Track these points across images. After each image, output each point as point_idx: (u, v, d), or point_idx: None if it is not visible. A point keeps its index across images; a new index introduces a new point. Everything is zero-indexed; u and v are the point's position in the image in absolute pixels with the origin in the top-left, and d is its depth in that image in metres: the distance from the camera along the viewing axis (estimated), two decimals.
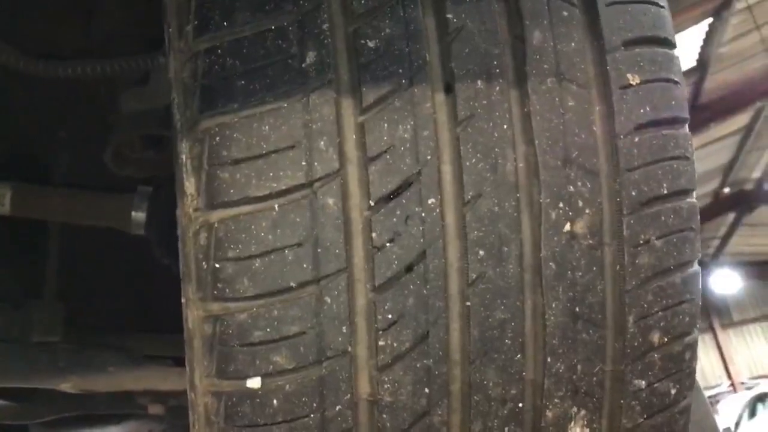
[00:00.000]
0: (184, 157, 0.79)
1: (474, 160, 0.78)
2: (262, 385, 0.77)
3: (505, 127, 0.79)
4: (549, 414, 0.81)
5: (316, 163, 0.76)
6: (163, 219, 1.37)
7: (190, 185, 0.79)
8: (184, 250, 0.81)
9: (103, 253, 1.50)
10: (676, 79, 0.85)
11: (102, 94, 1.43)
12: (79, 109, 1.47)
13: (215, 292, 0.77)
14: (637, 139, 0.82)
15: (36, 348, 1.26)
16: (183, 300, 0.83)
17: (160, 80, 1.31)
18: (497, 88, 0.79)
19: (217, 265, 0.77)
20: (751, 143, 12.31)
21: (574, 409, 0.82)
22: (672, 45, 0.87)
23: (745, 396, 12.40)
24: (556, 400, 0.81)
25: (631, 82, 0.82)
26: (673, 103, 0.84)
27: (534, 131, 0.79)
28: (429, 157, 0.78)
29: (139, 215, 1.37)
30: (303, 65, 0.77)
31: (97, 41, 1.42)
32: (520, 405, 0.81)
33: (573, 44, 0.82)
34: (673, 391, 0.85)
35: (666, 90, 0.84)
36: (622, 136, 0.81)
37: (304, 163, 0.76)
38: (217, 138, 0.77)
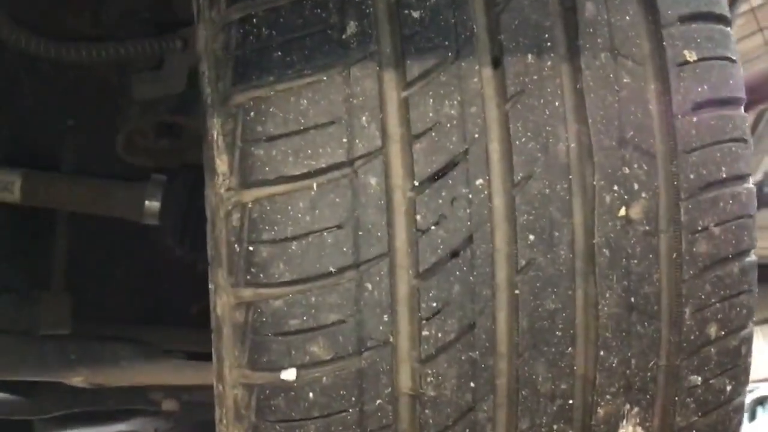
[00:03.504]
0: (215, 133, 0.74)
1: (524, 139, 0.73)
2: (297, 377, 0.72)
3: (556, 104, 0.74)
4: (600, 411, 0.77)
5: (357, 140, 0.71)
6: (178, 208, 1.32)
7: (221, 163, 0.74)
8: (214, 233, 0.76)
9: (113, 244, 1.45)
10: (733, 57, 0.80)
11: (112, 80, 1.38)
12: (88, 96, 1.42)
13: (248, 277, 0.72)
14: (695, 120, 0.77)
15: (45, 340, 1.20)
16: (211, 286, 0.78)
17: (175, 65, 1.26)
18: (548, 62, 0.75)
19: (250, 248, 0.72)
20: (753, 146, 12.26)
21: (627, 406, 0.77)
22: (728, 22, 0.82)
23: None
24: (607, 397, 0.76)
25: (688, 59, 0.77)
26: (731, 82, 0.80)
27: (587, 109, 0.75)
28: (477, 136, 0.73)
29: (153, 204, 1.32)
30: (343, 36, 0.72)
31: (107, 25, 1.37)
32: (570, 401, 0.76)
33: (627, 18, 0.77)
34: (728, 388, 0.80)
35: (724, 68, 0.79)
36: (679, 116, 0.76)
37: (344, 140, 0.71)
38: (252, 113, 0.72)
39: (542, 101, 0.74)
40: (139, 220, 1.32)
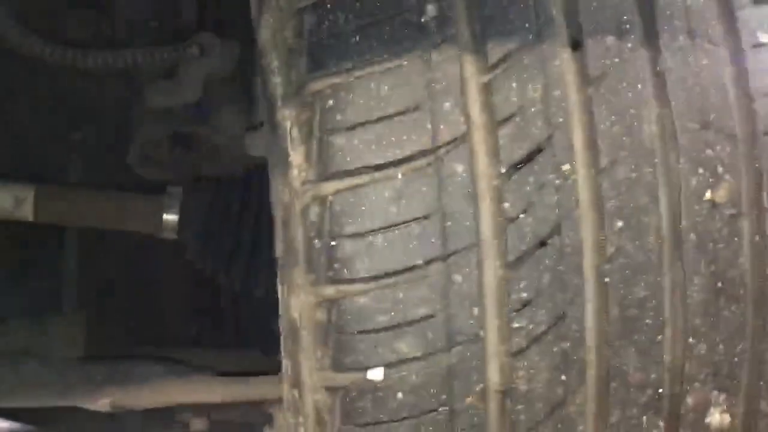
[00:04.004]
0: (288, 124, 0.71)
1: (608, 123, 0.71)
2: (384, 377, 0.69)
3: (639, 87, 0.73)
4: (689, 400, 0.74)
5: (441, 127, 0.69)
6: (198, 221, 1.27)
7: (296, 155, 0.70)
8: (287, 230, 0.72)
9: (126, 261, 1.40)
10: None
11: (120, 90, 1.33)
12: (96, 108, 1.37)
13: (331, 273, 0.69)
14: None
15: (68, 363, 1.15)
16: (281, 288, 0.74)
17: (190, 73, 1.21)
18: (628, 45, 0.73)
19: (333, 243, 0.69)
20: None
21: (715, 393, 0.75)
22: None
23: None
24: (696, 384, 0.74)
25: (763, 41, 0.77)
26: None
27: (669, 92, 0.73)
28: (561, 120, 0.71)
29: (171, 217, 1.27)
30: (422, 19, 0.70)
31: (116, 31, 1.33)
32: (660, 391, 0.73)
33: (701, 0, 0.76)
34: None
35: None
36: (757, 98, 0.75)
37: (429, 127, 0.69)
38: (331, 101, 0.69)
39: (625, 84, 0.72)
40: (157, 234, 1.27)
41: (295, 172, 0.70)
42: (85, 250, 1.35)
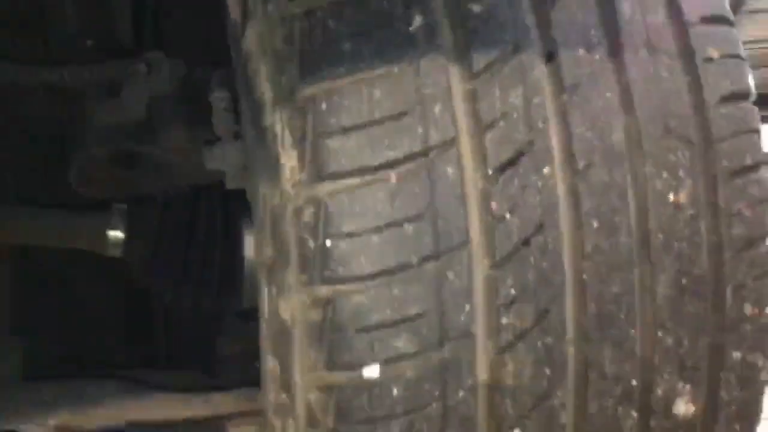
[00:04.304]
0: (278, 128, 0.72)
1: (583, 129, 0.76)
2: (381, 373, 0.70)
3: (608, 95, 0.77)
4: (658, 391, 0.79)
5: (432, 131, 0.72)
6: (145, 238, 1.25)
7: (288, 159, 0.72)
8: (279, 232, 0.73)
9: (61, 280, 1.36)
10: (743, 56, 0.87)
11: (59, 109, 1.30)
12: (32, 126, 1.33)
13: (326, 273, 0.70)
14: (723, 111, 0.82)
15: (12, 383, 1.10)
16: (268, 291, 0.75)
17: (136, 91, 1.20)
18: (597, 57, 0.78)
19: (328, 243, 0.70)
20: None
21: (680, 384, 0.80)
22: (733, 24, 0.89)
23: None
24: (665, 376, 0.79)
25: (712, 56, 0.83)
26: (746, 78, 0.86)
27: (635, 101, 0.78)
28: (541, 125, 0.75)
29: (116, 234, 1.25)
30: (410, 28, 0.73)
31: (55, 48, 1.30)
32: (633, 383, 0.78)
33: (658, 17, 0.82)
34: (760, 363, 0.85)
35: (739, 65, 0.85)
36: (710, 108, 0.81)
37: (420, 130, 0.71)
38: (324, 105, 0.71)
39: (596, 93, 0.77)
40: (103, 252, 1.24)
41: (287, 174, 0.71)
42: (18, 272, 1.30)
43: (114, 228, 1.24)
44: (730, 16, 0.88)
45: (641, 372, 0.78)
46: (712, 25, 0.85)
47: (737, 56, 0.86)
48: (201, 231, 1.26)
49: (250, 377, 1.06)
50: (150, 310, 1.44)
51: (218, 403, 1.05)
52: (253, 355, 1.15)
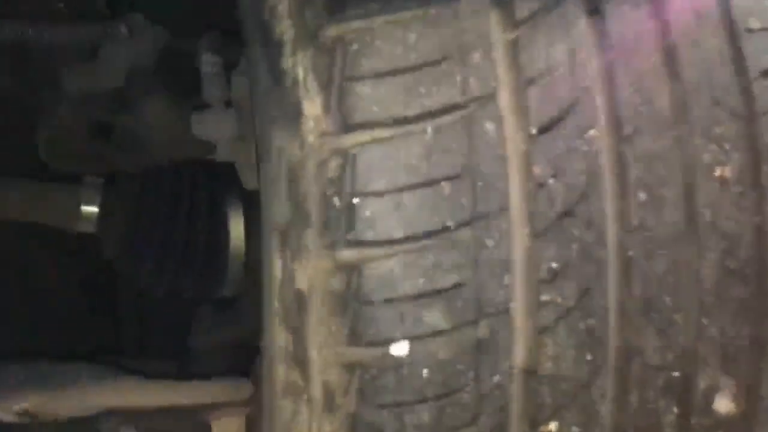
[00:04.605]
0: (300, 71, 0.64)
1: (630, 92, 0.69)
2: (410, 352, 0.62)
3: (653, 58, 0.71)
4: (700, 384, 0.72)
5: (471, 81, 0.64)
6: (120, 215, 1.14)
7: (312, 105, 0.63)
8: (296, 189, 0.64)
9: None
10: None
11: (30, 73, 1.18)
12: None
13: (351, 235, 0.62)
14: (765, 84, 0.77)
15: None
16: (281, 257, 0.66)
17: (115, 56, 1.10)
18: (644, 14, 0.72)
19: (355, 201, 0.62)
20: None
21: (723, 378, 0.73)
22: None
23: None
24: (707, 369, 0.72)
25: (753, 27, 0.78)
26: None
27: (680, 66, 0.72)
28: (587, 84, 0.68)
29: (89, 209, 1.13)
30: None
31: (20, 13, 1.19)
32: (675, 374, 0.71)
33: None
34: None
35: None
36: (753, 80, 0.76)
37: (458, 79, 0.64)
38: (355, 46, 0.63)
39: (642, 54, 0.70)
40: (74, 228, 1.13)
41: (310, 123, 0.63)
42: None
43: (87, 202, 1.13)
44: None
45: (684, 363, 0.71)
46: None
47: None
48: (183, 211, 1.15)
49: (224, 372, 0.97)
50: (117, 296, 1.32)
51: (202, 392, 0.94)
52: (228, 350, 1.05)
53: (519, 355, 0.64)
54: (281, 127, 0.65)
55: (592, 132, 0.67)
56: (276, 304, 0.66)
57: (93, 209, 1.12)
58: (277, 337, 0.65)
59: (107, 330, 1.33)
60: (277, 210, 0.66)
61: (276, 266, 0.65)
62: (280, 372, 0.65)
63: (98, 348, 1.24)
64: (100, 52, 1.10)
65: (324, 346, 0.62)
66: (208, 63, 0.90)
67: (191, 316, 1.10)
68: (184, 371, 1.04)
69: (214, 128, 0.89)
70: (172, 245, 1.13)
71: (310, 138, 0.63)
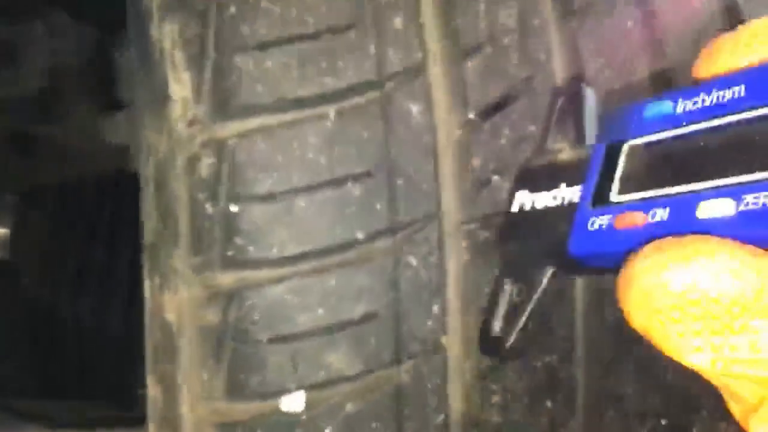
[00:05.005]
0: (168, 44, 0.49)
1: (599, 66, 0.55)
2: (307, 406, 0.47)
3: (629, 24, 0.56)
4: None
5: (390, 52, 0.49)
6: (36, 237, 1.00)
7: (180, 86, 0.49)
8: (162, 196, 0.50)
9: None
10: None
11: None
12: None
13: (230, 253, 0.47)
14: None
15: None
16: (149, 283, 0.51)
17: (34, 58, 0.97)
18: None
19: (234, 209, 0.47)
20: None
21: (722, 424, 0.58)
22: None
23: None
24: (703, 413, 0.57)
25: None
26: None
27: (662, 35, 0.58)
28: (543, 57, 0.53)
29: (1, 232, 1.00)
30: None
31: None
32: (662, 422, 0.56)
33: None
34: None
35: None
36: None
37: (372, 50, 0.49)
38: (233, 8, 0.48)
39: (610, 17, 0.56)
40: None
41: (177, 109, 0.48)
42: None
43: None
44: None
45: (674, 406, 0.56)
46: None
47: None
48: (104, 229, 1.01)
49: None
50: (60, 327, 1.18)
51: None
52: None
53: (455, 406, 0.50)
54: (150, 114, 0.51)
55: None
56: (147, 345, 0.51)
57: (4, 231, 0.98)
58: (150, 389, 0.51)
59: (50, 366, 1.18)
60: (145, 223, 0.51)
61: (147, 297, 0.51)
62: None
63: (39, 388, 1.10)
64: (19, 53, 0.97)
65: (197, 400, 0.48)
66: (125, 58, 0.76)
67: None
68: (126, 415, 0.91)
69: (124, 130, 0.75)
70: (92, 270, 0.99)
71: (180, 127, 0.48)
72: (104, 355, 1.09)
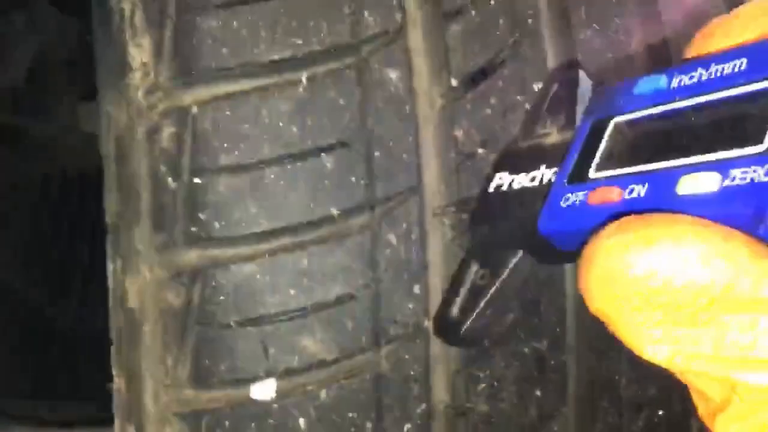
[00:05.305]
0: (127, 6, 0.46)
1: (592, 31, 0.51)
2: (278, 394, 0.43)
3: None
4: (693, 426, 0.54)
5: (366, 13, 0.46)
6: (17, 234, 0.97)
7: (139, 50, 0.45)
8: (123, 170, 0.46)
9: None
10: None
11: None
12: None
13: (194, 228, 0.43)
14: None
15: None
16: (112, 266, 0.48)
17: (15, 50, 0.94)
18: None
19: (197, 181, 0.43)
20: None
21: None
22: None
23: None
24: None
25: None
26: None
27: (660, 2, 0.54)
28: (530, 22, 0.50)
29: None
30: None
31: None
32: (660, 412, 0.53)
33: None
34: None
35: None
36: None
37: (346, 11, 0.46)
38: None
39: None
40: None
41: (137, 76, 0.45)
42: None
43: None
44: None
45: (671, 396, 0.53)
46: None
47: None
48: (88, 228, 0.98)
49: None
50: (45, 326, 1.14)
51: None
52: None
53: (439, 395, 0.46)
54: (109, 84, 0.47)
55: (538, 85, 0.49)
56: (112, 332, 0.48)
57: None
58: (115, 379, 0.47)
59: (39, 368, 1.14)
60: (106, 200, 0.48)
61: (110, 281, 0.47)
62: (117, 427, 0.47)
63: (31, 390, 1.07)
64: (1, 46, 0.94)
65: (161, 388, 0.44)
66: None
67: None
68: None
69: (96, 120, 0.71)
70: (75, 270, 0.96)
71: (139, 96, 0.45)
72: (91, 353, 1.06)
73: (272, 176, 0.44)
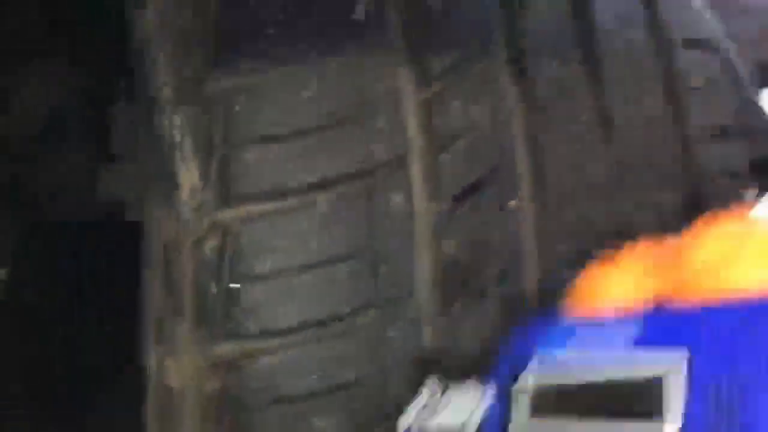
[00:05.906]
0: (177, 134, 0.55)
1: (558, 156, 0.62)
2: None
3: (585, 117, 0.64)
4: None
5: (376, 145, 0.56)
6: (35, 275, 1.02)
7: (189, 173, 0.54)
8: (170, 273, 0.55)
9: None
10: None
11: None
12: None
13: (230, 326, 0.52)
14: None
15: None
16: (154, 352, 0.56)
17: (29, 99, 0.99)
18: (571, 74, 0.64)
19: (235, 287, 0.52)
20: None
21: None
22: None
23: None
24: None
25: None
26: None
27: (615, 128, 0.65)
28: (509, 147, 0.60)
29: None
30: (354, 16, 0.57)
31: None
32: None
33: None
34: None
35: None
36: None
37: (361, 144, 0.55)
38: (239, 105, 0.54)
39: (572, 111, 0.63)
40: None
41: (185, 194, 0.54)
42: None
43: None
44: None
45: None
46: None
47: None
48: (102, 273, 1.03)
49: None
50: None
51: None
52: None
53: None
54: (158, 198, 0.56)
55: (513, 203, 0.59)
56: (150, 409, 0.56)
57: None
58: None
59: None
60: (153, 296, 0.56)
61: (151, 364, 0.56)
62: None
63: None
64: (13, 96, 0.99)
65: None
66: (120, 110, 0.80)
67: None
68: None
69: (119, 184, 0.78)
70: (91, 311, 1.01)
71: (187, 211, 0.54)
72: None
73: (296, 281, 0.53)
